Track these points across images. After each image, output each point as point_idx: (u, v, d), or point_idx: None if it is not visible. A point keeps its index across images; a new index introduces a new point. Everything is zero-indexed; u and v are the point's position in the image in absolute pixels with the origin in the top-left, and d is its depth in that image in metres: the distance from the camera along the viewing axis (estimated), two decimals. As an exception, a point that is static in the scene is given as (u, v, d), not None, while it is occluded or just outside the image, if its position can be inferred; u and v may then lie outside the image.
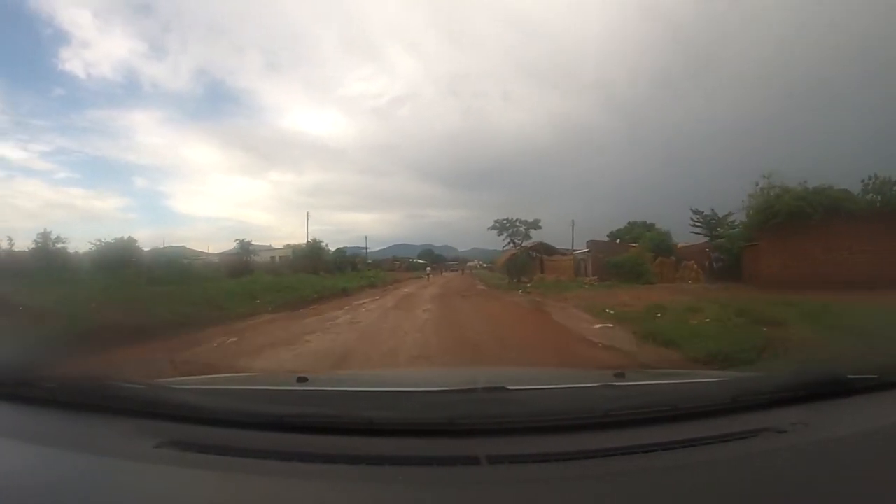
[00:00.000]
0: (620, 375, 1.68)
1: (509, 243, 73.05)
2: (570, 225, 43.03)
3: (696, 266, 24.23)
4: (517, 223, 72.19)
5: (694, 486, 0.93)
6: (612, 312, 10.51)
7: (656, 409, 1.21)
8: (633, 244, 28.13)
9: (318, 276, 24.30)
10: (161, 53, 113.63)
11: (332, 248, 40.78)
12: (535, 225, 71.48)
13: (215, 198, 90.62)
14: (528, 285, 22.19)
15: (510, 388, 1.26)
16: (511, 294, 18.47)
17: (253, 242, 32.16)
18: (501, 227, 73.75)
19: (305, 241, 37.70)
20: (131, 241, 20.79)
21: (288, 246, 37.27)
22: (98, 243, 20.21)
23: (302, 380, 1.57)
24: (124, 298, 10.42)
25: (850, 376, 1.36)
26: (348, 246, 57.41)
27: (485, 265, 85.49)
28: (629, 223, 44.32)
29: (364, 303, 15.51)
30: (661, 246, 25.99)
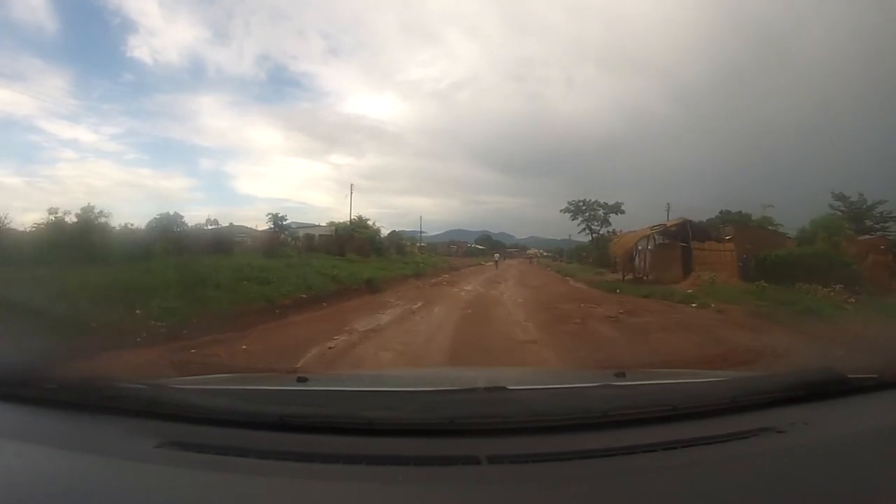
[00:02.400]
0: (620, 375, 1.60)
1: (584, 228, 59.13)
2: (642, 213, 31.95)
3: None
4: (595, 205, 57.89)
5: (694, 486, 0.93)
6: None
7: (656, 408, 1.18)
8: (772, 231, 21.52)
9: (341, 260, 19.99)
10: (225, 39, 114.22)
11: (388, 230, 37.79)
12: (617, 208, 57.52)
13: (277, 179, 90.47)
14: (689, 291, 13.67)
15: (510, 387, 1.24)
16: (717, 323, 8.97)
17: (288, 219, 29.91)
18: (576, 209, 60.06)
19: (349, 220, 34.71)
20: (177, 216, 19.47)
21: (332, 224, 34.32)
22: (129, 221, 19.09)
23: (302, 380, 1.55)
24: None
25: (849, 376, 1.34)
26: (407, 230, 54.62)
27: (546, 254, 78.04)
28: (721, 212, 38.17)
29: (371, 332, 7.53)
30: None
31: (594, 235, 53.35)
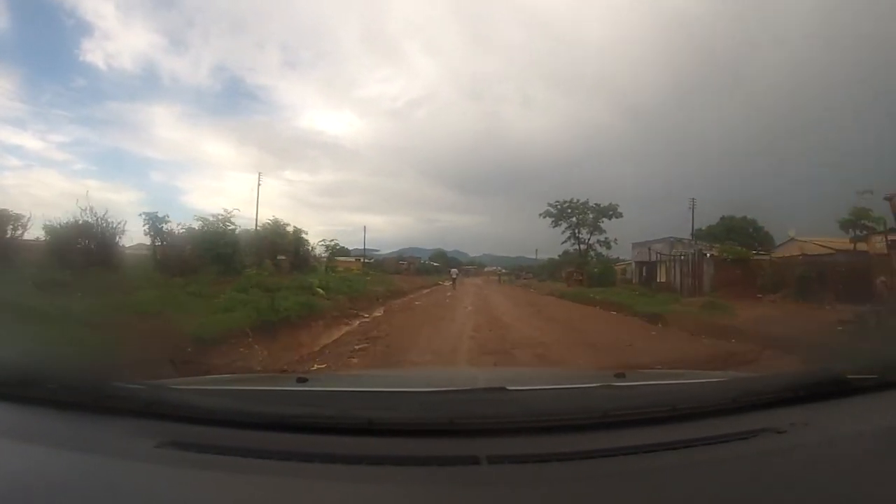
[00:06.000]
0: (620, 376, 1.72)
1: (570, 237, 45.50)
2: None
3: None
4: (583, 207, 43.23)
5: (694, 486, 1.00)
6: None
7: (656, 409, 1.25)
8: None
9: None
10: (181, 48, 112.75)
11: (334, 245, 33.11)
12: (612, 210, 43.28)
13: (230, 195, 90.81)
14: None
15: (510, 388, 1.31)
16: None
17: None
18: (560, 212, 45.80)
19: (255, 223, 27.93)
20: (86, 226, 15.03)
21: (246, 231, 25.27)
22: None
23: (302, 380, 1.64)
24: None
25: (849, 376, 1.40)
26: (361, 247, 52.83)
27: (504, 271, 73.49)
28: (723, 218, 36.12)
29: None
30: None
31: (582, 245, 38.50)
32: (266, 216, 28.63)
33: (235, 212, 19.18)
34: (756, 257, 24.72)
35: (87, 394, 1.26)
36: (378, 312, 14.63)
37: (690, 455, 1.07)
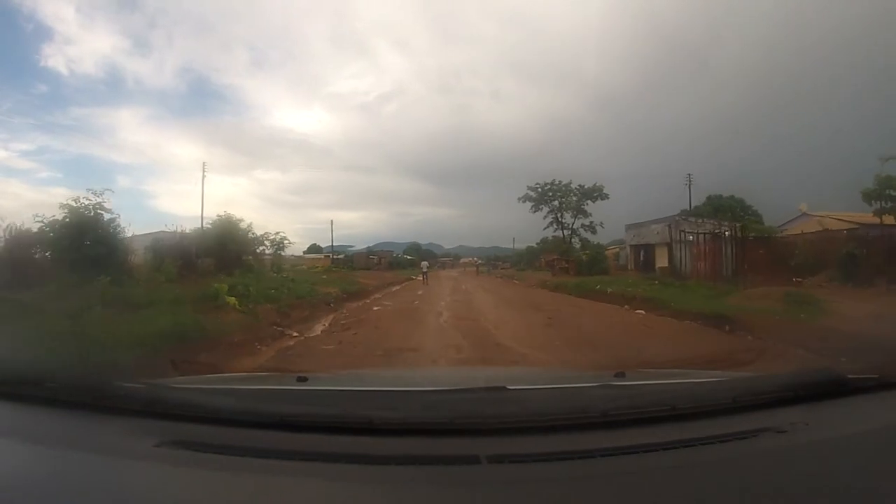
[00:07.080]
0: (620, 375, 1.78)
1: (552, 222, 41.98)
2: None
3: None
4: (567, 189, 39.47)
5: (693, 486, 1.04)
6: None
7: (656, 409, 1.30)
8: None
9: None
10: (146, 50, 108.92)
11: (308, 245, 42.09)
12: (598, 193, 39.98)
13: (199, 197, 78.98)
14: None
15: (510, 387, 1.39)
16: None
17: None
18: (541, 195, 42.22)
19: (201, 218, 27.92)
20: (26, 231, 13.32)
21: (198, 229, 24.06)
22: None
23: (302, 379, 1.69)
24: None
25: (849, 376, 1.48)
26: (337, 244, 51.69)
27: (481, 262, 71.63)
28: (710, 197, 31.77)
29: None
30: None
31: (566, 230, 35.14)
32: (224, 214, 20.42)
33: (108, 193, 12.89)
34: (779, 235, 22.72)
35: (87, 393, 1.30)
36: (317, 328, 10.64)
37: (690, 455, 1.11)
